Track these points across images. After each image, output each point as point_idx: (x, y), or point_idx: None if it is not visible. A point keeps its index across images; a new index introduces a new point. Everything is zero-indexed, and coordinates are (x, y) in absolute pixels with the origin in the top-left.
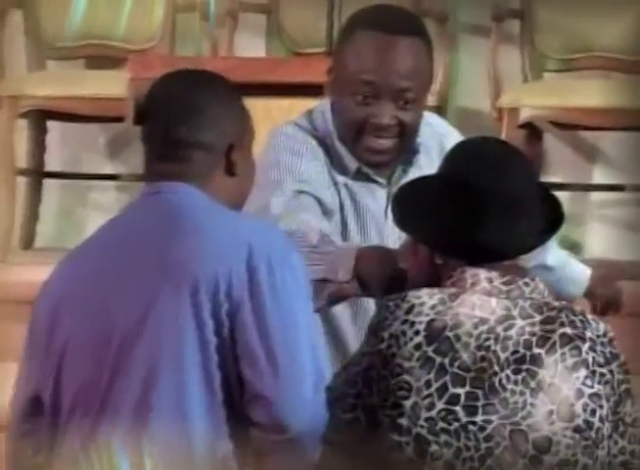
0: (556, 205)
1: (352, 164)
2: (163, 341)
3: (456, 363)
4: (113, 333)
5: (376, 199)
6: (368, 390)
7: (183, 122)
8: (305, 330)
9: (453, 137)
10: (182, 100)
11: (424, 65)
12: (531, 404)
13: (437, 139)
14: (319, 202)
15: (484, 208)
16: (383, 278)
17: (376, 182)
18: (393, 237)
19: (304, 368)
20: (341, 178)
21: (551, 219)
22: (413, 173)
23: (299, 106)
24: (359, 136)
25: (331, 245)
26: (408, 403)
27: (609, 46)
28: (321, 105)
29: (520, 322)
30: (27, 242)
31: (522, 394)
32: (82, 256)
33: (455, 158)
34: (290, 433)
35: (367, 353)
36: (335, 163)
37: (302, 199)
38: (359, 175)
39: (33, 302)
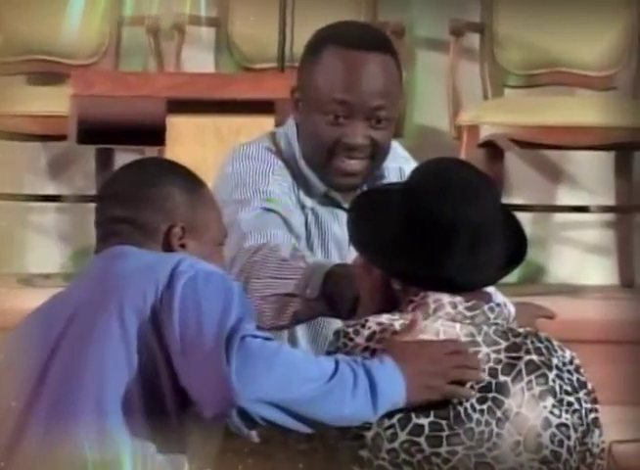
0: (518, 228)
1: (319, 187)
2: (88, 349)
3: None
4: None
5: (341, 225)
6: None
7: (121, 202)
8: (215, 319)
9: (413, 165)
10: (125, 182)
11: (395, 82)
12: (497, 435)
13: (398, 163)
14: (286, 222)
15: (448, 238)
16: (351, 299)
17: (342, 208)
18: None
19: (210, 343)
20: (307, 202)
21: (514, 246)
22: None
23: (250, 124)
24: (330, 157)
25: (301, 260)
26: (369, 434)
27: (572, 61)
28: (283, 127)
29: (484, 349)
30: None
31: (487, 424)
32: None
33: (416, 183)
34: (236, 400)
35: None
36: (301, 185)
37: (271, 216)
38: (326, 200)
39: None
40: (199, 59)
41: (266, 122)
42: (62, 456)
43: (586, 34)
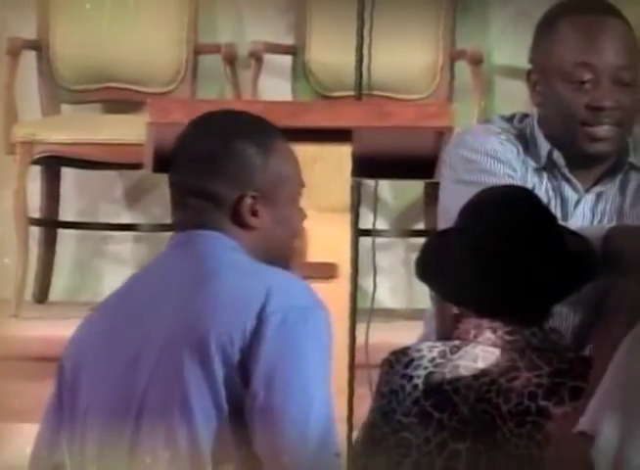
0: (590, 257)
1: (560, 160)
2: (170, 391)
3: (455, 417)
4: (132, 389)
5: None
6: (373, 448)
7: (191, 170)
8: (316, 388)
9: None
10: (195, 146)
11: (635, 44)
12: (539, 458)
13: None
14: None
15: (494, 257)
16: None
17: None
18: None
19: (310, 424)
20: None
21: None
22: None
23: (327, 153)
24: (578, 126)
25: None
26: (409, 461)
27: None
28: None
29: (525, 374)
30: (41, 296)
31: (526, 447)
32: (104, 311)
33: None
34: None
35: (372, 410)
36: (534, 159)
37: None
38: (558, 177)
39: (58, 361)
40: (276, 87)
41: (343, 151)
42: None
43: None
